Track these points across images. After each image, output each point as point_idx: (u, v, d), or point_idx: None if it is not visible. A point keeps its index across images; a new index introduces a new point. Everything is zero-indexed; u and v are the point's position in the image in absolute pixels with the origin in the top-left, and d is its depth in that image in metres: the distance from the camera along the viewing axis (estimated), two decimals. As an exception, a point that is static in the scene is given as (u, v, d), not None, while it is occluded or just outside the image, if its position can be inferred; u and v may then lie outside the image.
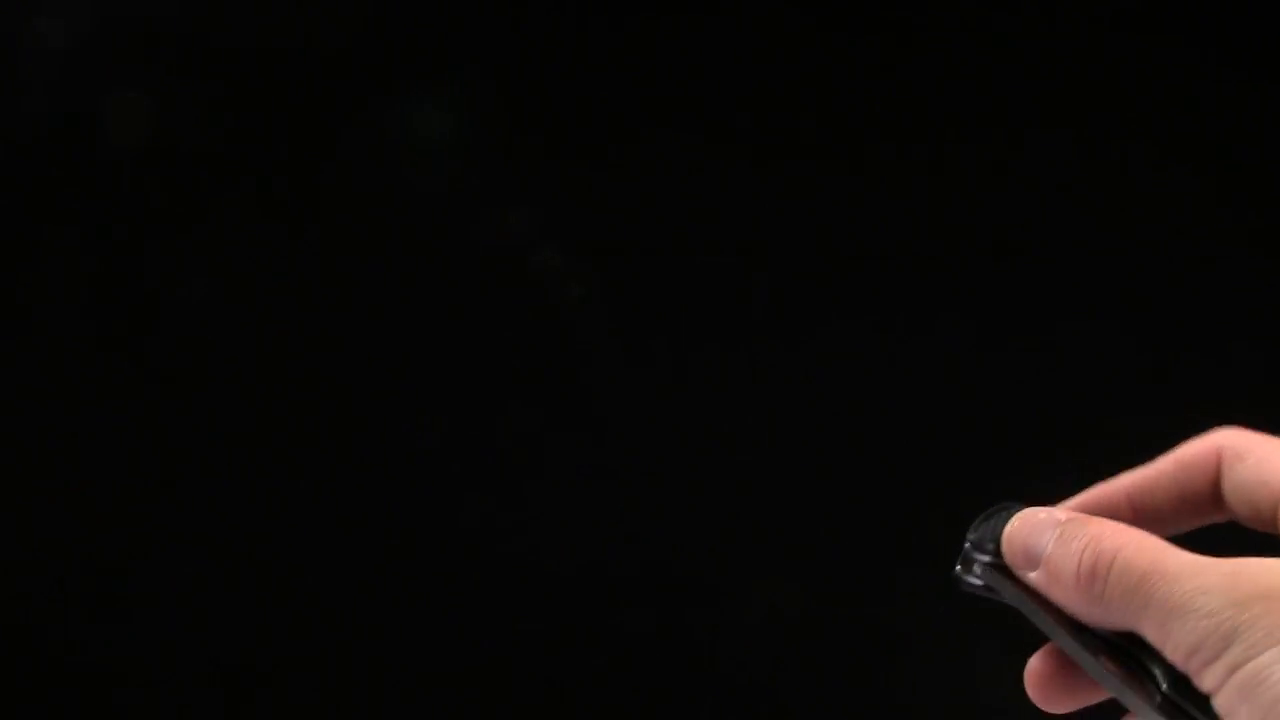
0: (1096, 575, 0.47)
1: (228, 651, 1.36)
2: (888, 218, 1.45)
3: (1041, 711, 0.53)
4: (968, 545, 0.54)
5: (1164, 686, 0.46)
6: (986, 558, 0.53)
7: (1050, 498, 0.56)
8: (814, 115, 1.48)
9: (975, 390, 1.18)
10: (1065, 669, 0.51)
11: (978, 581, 0.54)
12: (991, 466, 1.30)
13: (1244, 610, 0.43)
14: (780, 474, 1.34)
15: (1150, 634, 0.45)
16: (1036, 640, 0.53)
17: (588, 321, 1.38)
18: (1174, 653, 0.44)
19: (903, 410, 1.36)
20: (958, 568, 0.54)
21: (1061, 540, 0.50)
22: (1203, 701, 0.45)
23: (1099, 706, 0.52)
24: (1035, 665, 0.52)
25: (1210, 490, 0.53)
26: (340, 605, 1.37)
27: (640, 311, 1.39)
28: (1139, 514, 0.53)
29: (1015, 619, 0.53)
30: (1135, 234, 1.43)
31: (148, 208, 1.44)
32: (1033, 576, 0.50)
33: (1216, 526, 0.54)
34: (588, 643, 1.36)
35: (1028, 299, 1.40)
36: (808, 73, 1.49)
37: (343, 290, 1.22)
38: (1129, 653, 0.48)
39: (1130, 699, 0.49)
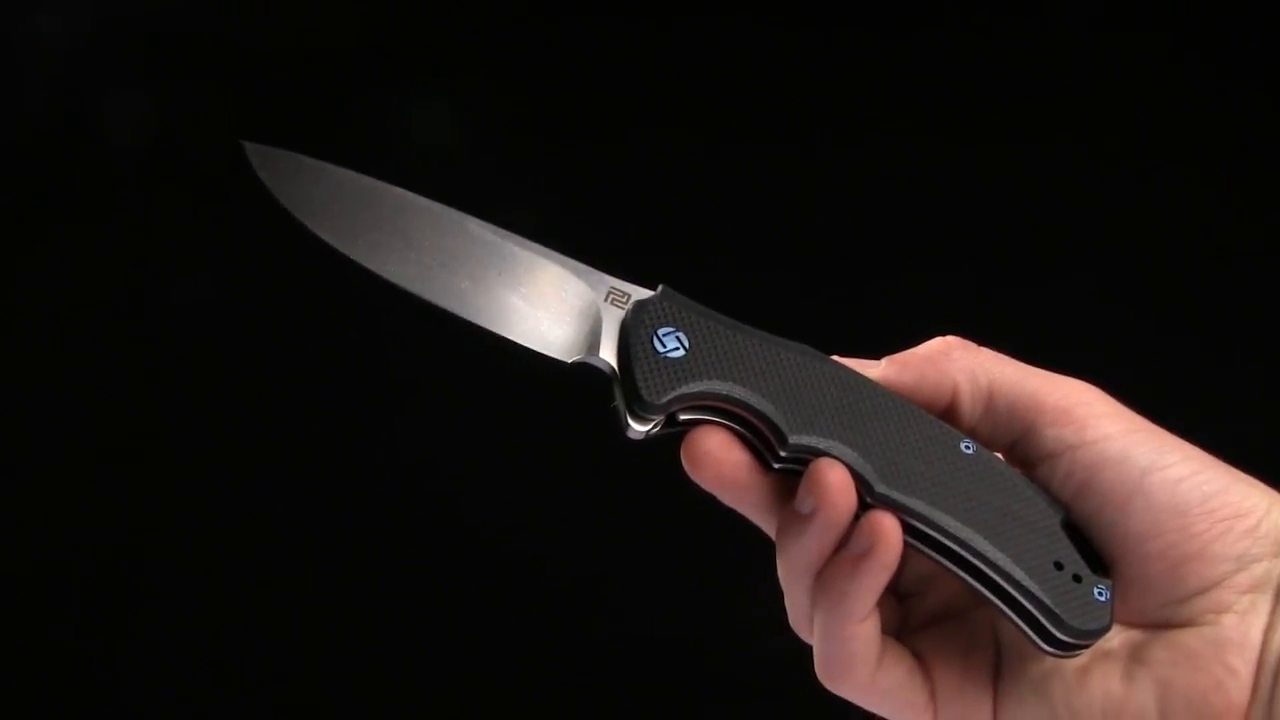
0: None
1: (228, 651, 1.36)
2: (889, 217, 1.45)
3: None
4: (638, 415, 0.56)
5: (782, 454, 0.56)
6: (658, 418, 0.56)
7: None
8: (816, 115, 1.48)
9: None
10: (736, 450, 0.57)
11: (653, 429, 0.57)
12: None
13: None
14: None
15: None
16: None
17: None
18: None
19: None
20: (637, 427, 0.57)
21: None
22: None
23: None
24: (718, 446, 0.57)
25: (942, 412, 0.58)
26: (339, 605, 1.37)
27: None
28: None
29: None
30: (1135, 232, 1.43)
31: (148, 207, 1.44)
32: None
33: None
34: (586, 643, 1.36)
35: (1025, 297, 1.40)
36: (808, 73, 1.49)
37: (343, 290, 1.22)
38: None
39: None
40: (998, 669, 0.58)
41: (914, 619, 0.60)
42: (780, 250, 1.44)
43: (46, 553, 1.38)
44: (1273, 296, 1.41)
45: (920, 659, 0.58)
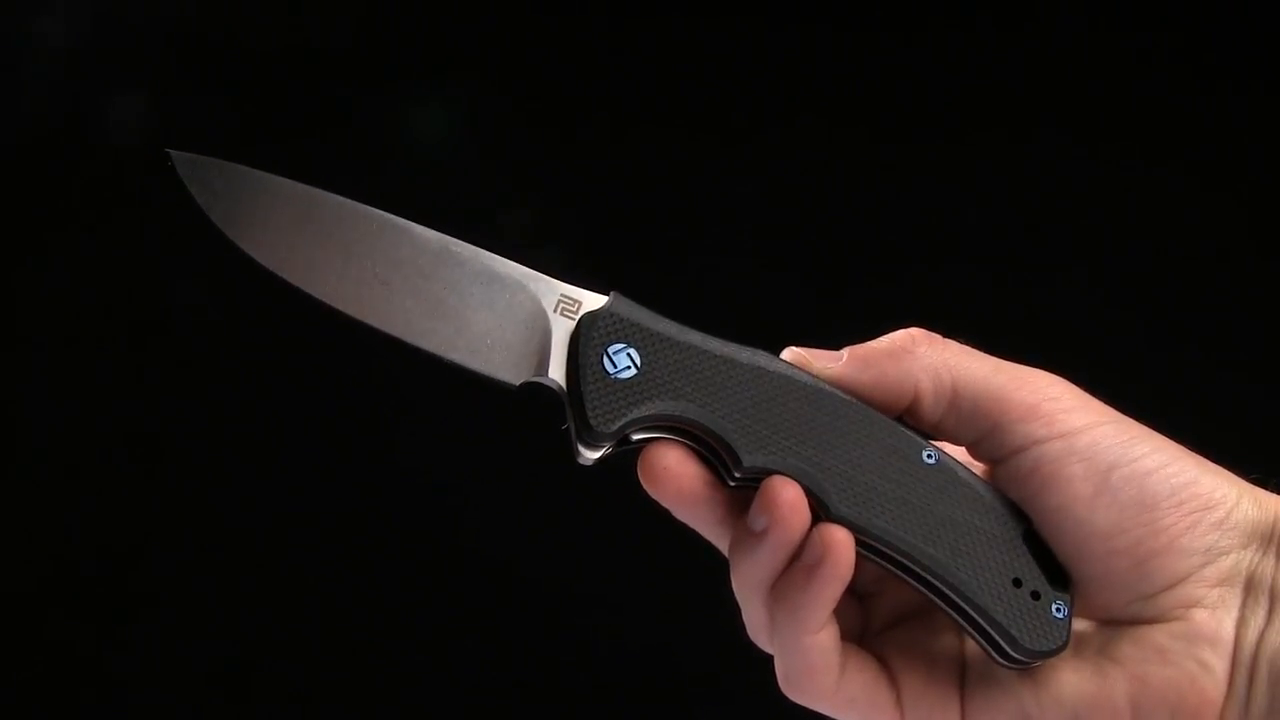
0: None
1: (228, 651, 1.36)
2: (892, 215, 1.45)
3: None
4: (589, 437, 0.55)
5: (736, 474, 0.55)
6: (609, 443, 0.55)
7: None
8: (816, 114, 1.48)
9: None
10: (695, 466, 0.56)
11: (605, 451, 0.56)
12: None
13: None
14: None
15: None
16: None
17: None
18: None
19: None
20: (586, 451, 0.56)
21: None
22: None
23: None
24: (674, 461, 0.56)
25: (904, 410, 0.57)
26: (338, 606, 1.37)
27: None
28: None
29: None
30: (1134, 231, 1.43)
31: (148, 207, 1.44)
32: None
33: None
34: (570, 648, 1.36)
35: (1016, 295, 1.40)
36: (809, 72, 1.49)
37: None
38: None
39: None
40: (964, 669, 0.57)
41: (875, 620, 0.59)
42: (778, 248, 1.44)
43: (47, 553, 1.38)
44: (1270, 296, 1.41)
45: (884, 663, 0.57)
